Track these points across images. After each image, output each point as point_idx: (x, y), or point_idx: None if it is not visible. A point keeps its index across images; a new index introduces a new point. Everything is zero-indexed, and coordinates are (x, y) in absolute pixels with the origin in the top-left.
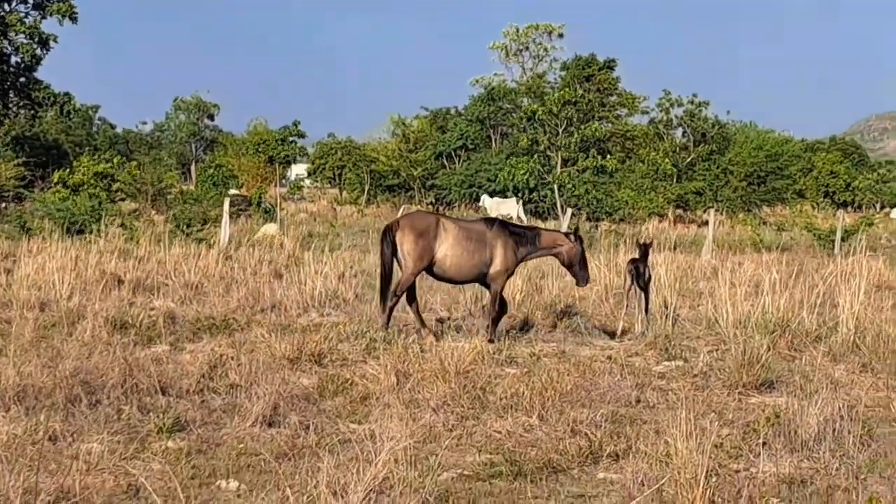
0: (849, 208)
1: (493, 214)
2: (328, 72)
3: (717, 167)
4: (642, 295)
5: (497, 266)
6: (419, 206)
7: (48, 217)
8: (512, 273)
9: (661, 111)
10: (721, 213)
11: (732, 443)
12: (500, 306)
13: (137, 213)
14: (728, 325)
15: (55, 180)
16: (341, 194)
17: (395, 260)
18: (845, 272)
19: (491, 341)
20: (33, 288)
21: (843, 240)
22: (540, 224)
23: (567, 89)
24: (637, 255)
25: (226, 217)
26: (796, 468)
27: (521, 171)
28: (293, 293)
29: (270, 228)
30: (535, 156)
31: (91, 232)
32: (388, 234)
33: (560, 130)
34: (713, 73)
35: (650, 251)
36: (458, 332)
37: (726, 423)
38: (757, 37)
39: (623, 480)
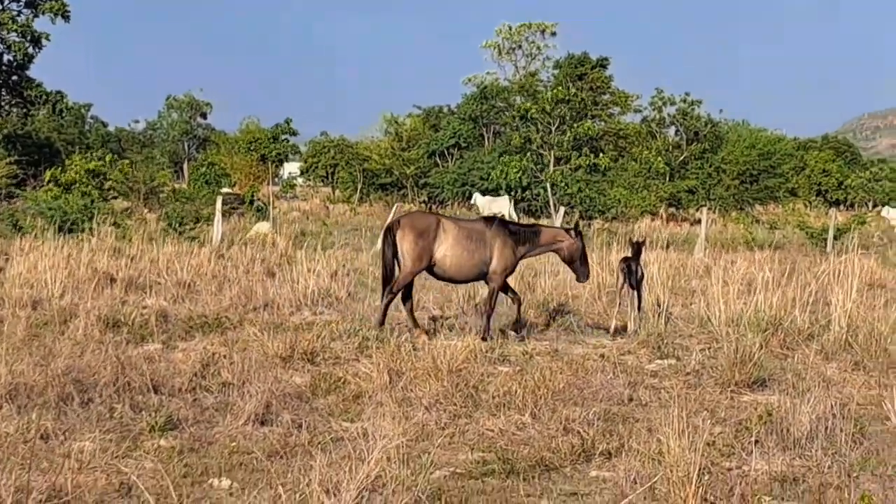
0: (841, 207)
1: (485, 213)
2: (326, 72)
3: (710, 165)
4: (635, 293)
5: (496, 265)
6: (412, 205)
7: (40, 215)
8: (512, 271)
9: (653, 110)
10: (714, 212)
11: (725, 441)
12: (518, 300)
13: (130, 211)
14: (720, 323)
15: (47, 179)
16: (334, 193)
17: (395, 260)
18: (837, 270)
19: (484, 339)
20: (25, 286)
21: (835, 238)
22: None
23: (560, 88)
24: (630, 254)
25: (218, 215)
26: (788, 466)
27: (514, 170)
28: (286, 291)
29: (263, 227)
30: (528, 154)
31: (83, 230)
32: (388, 234)
33: (553, 129)
34: (706, 72)
35: (643, 250)
36: (450, 331)
37: (719, 421)
38: (750, 36)
39: (616, 478)
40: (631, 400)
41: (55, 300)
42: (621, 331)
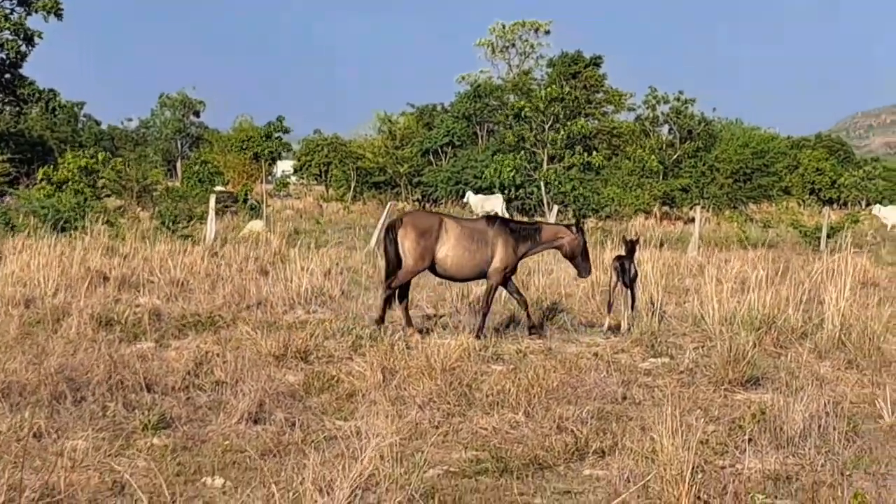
0: (834, 205)
1: (477, 211)
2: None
3: (704, 164)
4: (628, 292)
5: (496, 263)
6: (405, 204)
7: (33, 214)
8: (513, 270)
9: (647, 108)
10: (707, 210)
11: (718, 439)
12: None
13: (122, 209)
14: (714, 321)
15: (40, 177)
16: (327, 191)
17: (398, 258)
18: (831, 269)
19: (478, 337)
20: (18, 285)
21: (828, 237)
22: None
23: (553, 86)
24: (623, 252)
25: (211, 214)
26: (782, 464)
27: (508, 168)
28: (279, 290)
29: (256, 225)
30: (522, 152)
31: (76, 229)
32: (390, 232)
33: (546, 127)
34: (699, 70)
35: (636, 248)
36: (444, 329)
37: (712, 419)
38: (744, 35)
39: (609, 477)
40: (624, 398)
41: (48, 299)
42: (615, 329)
